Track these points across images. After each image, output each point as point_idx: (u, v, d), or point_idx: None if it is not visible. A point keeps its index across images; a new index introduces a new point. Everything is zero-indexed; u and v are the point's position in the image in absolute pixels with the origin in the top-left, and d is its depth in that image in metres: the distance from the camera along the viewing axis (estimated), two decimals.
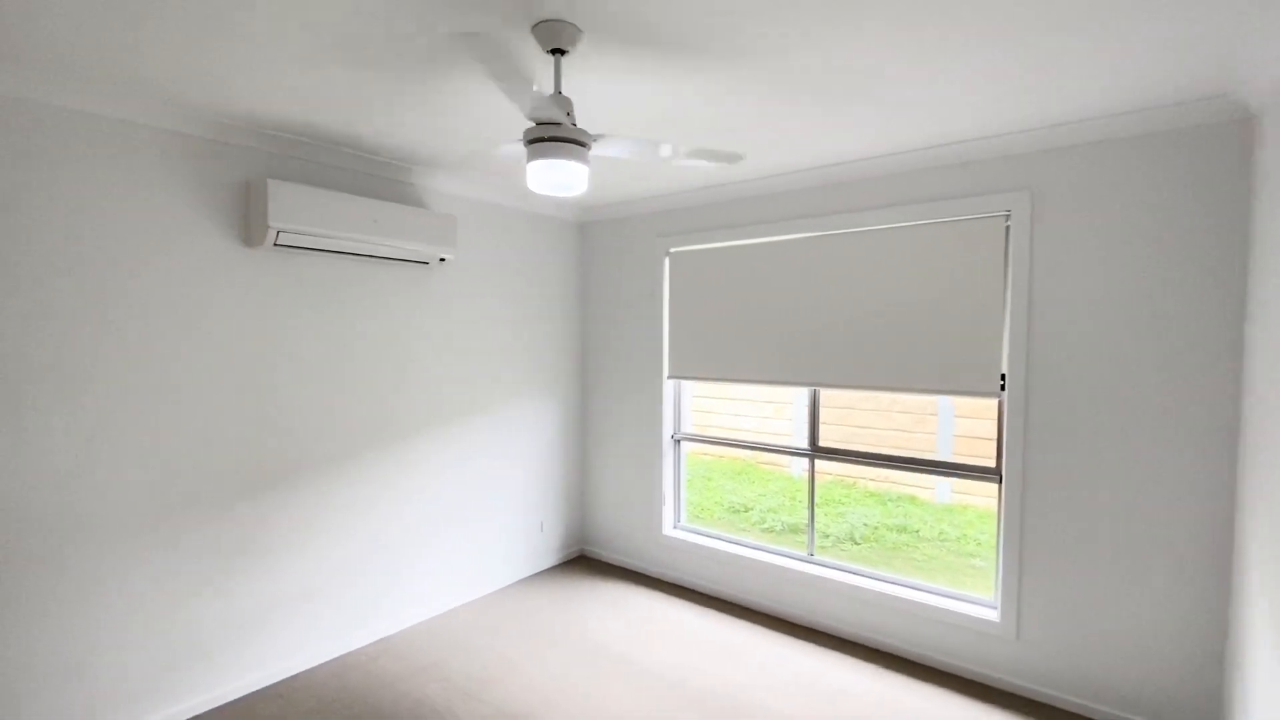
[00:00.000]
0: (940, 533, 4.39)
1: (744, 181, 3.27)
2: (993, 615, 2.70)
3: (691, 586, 3.68)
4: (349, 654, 2.90)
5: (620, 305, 3.97)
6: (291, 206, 2.49)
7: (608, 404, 4.07)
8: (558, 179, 1.77)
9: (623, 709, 2.50)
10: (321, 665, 2.80)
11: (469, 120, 2.38)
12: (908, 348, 2.86)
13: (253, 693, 2.58)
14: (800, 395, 4.87)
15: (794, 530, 4.48)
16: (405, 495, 3.15)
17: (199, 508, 2.43)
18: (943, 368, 2.77)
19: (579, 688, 2.64)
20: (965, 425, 4.39)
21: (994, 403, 2.76)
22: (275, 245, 2.54)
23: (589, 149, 1.78)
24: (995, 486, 2.73)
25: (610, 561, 4.09)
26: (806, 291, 3.16)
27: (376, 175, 2.98)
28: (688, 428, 3.93)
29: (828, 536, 4.39)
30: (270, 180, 2.44)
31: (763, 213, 3.30)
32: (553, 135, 1.71)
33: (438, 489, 3.31)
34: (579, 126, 1.75)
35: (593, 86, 2.05)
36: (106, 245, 2.19)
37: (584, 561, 4.11)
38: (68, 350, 2.11)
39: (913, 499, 4.73)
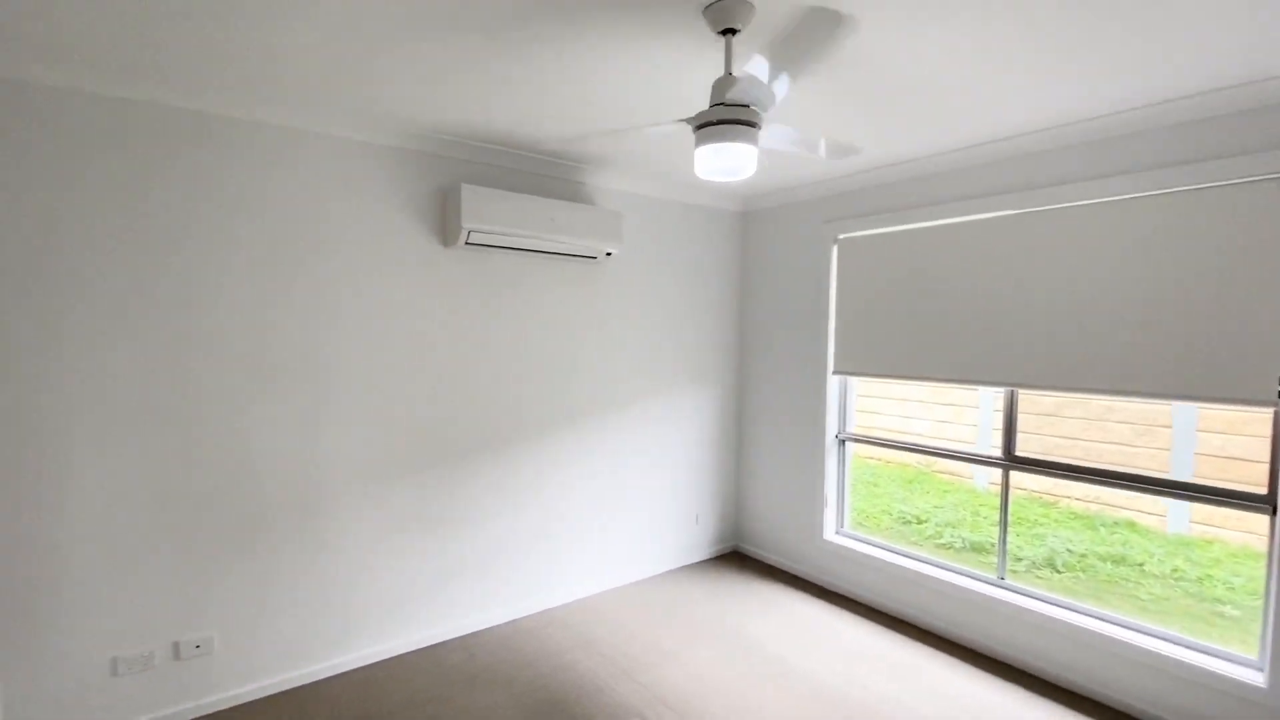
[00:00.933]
0: (1174, 569, 3.63)
1: (926, 158, 2.96)
2: (1256, 678, 2.16)
3: (853, 596, 3.45)
4: (519, 620, 3.14)
5: (782, 296, 3.83)
6: (481, 208, 2.74)
7: (767, 399, 3.95)
8: (727, 163, 1.73)
9: (777, 712, 2.40)
10: (496, 627, 3.07)
11: (631, 108, 2.43)
12: (1141, 344, 2.39)
13: (442, 642, 2.91)
14: (986, 399, 4.33)
15: (977, 549, 4.00)
16: (572, 476, 3.33)
17: (402, 476, 2.78)
18: (1191, 369, 2.27)
19: (732, 683, 2.60)
20: (1212, 441, 3.59)
21: (1267, 414, 2.20)
22: (467, 244, 2.82)
23: (759, 129, 1.71)
24: (1266, 518, 2.18)
25: (765, 560, 3.98)
26: (1002, 277, 2.79)
27: (552, 176, 3.17)
28: (852, 428, 3.68)
29: (1020, 560, 3.86)
30: (464, 185, 2.70)
31: (948, 190, 2.97)
32: (722, 118, 1.67)
33: (601, 473, 3.45)
34: (748, 107, 1.69)
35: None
36: (337, 250, 2.58)
37: (738, 558, 4.05)
38: (304, 342, 2.53)
39: (1132, 525, 3.98)
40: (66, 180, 2.05)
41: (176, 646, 2.29)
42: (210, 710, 2.36)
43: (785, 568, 3.85)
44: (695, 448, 3.91)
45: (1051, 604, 2.73)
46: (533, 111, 2.43)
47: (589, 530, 3.42)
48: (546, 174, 3.15)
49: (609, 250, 3.18)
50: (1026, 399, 3.16)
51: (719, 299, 3.97)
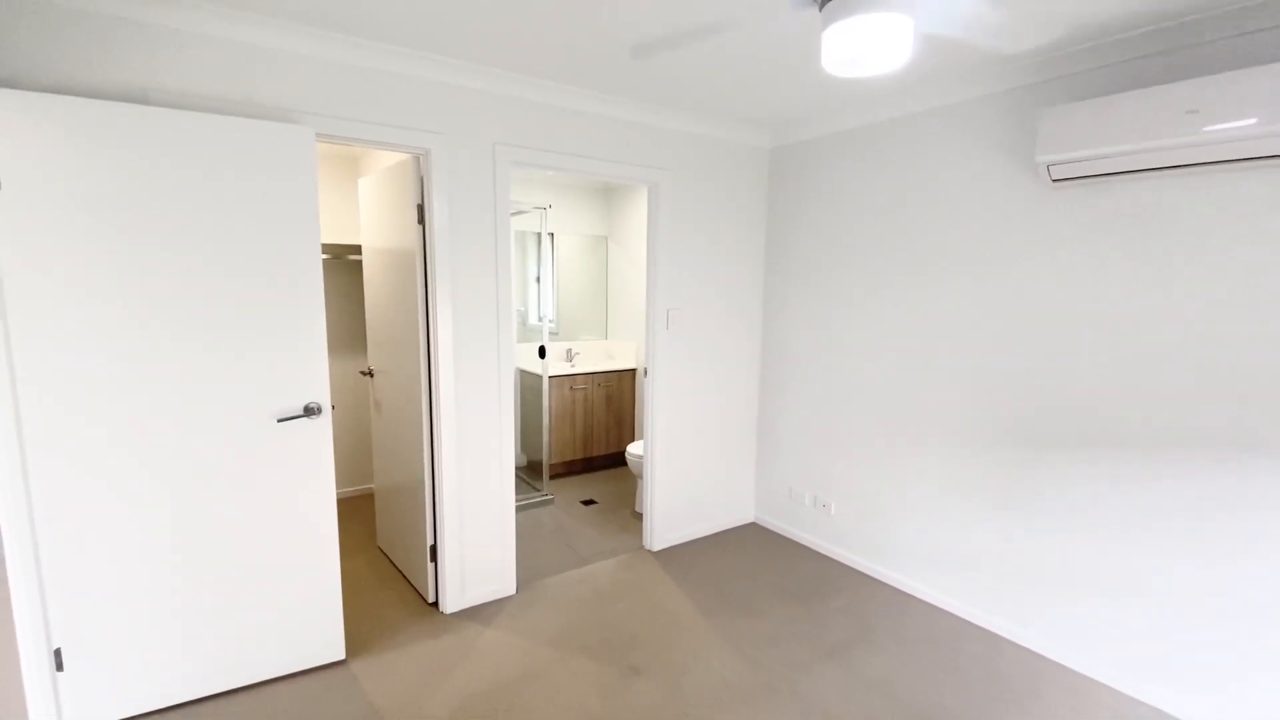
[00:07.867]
0: None
1: None
2: None
3: None
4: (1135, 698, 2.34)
5: None
6: (1063, 132, 2.21)
7: None
8: None
9: None
10: (1075, 671, 2.44)
11: None
12: None
13: (1000, 635, 2.68)
14: None
15: None
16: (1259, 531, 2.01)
17: (984, 444, 2.70)
18: None
19: None
20: None
21: None
22: (1054, 181, 2.30)
23: None
24: None
25: None
26: None
27: (1203, 43, 1.92)
28: None
29: None
30: (1044, 110, 2.26)
31: None
32: None
33: None
34: None
35: None
36: (946, 221, 2.81)
37: None
38: (916, 302, 2.94)
39: None
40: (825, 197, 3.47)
41: (815, 498, 3.46)
42: (823, 551, 3.41)
43: None
44: None
45: None
46: None
47: None
48: (1197, 42, 1.93)
49: None
50: None
51: None
